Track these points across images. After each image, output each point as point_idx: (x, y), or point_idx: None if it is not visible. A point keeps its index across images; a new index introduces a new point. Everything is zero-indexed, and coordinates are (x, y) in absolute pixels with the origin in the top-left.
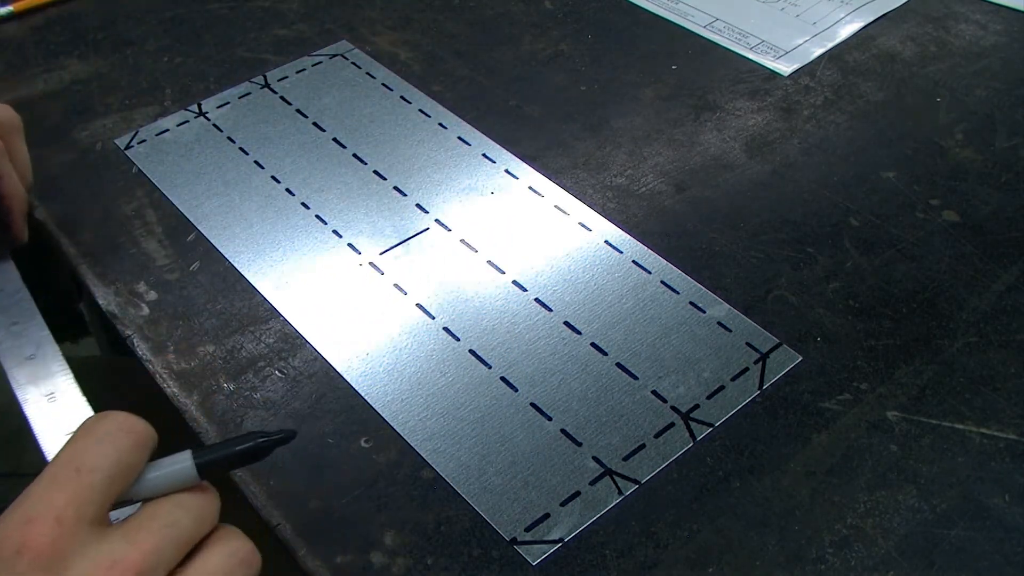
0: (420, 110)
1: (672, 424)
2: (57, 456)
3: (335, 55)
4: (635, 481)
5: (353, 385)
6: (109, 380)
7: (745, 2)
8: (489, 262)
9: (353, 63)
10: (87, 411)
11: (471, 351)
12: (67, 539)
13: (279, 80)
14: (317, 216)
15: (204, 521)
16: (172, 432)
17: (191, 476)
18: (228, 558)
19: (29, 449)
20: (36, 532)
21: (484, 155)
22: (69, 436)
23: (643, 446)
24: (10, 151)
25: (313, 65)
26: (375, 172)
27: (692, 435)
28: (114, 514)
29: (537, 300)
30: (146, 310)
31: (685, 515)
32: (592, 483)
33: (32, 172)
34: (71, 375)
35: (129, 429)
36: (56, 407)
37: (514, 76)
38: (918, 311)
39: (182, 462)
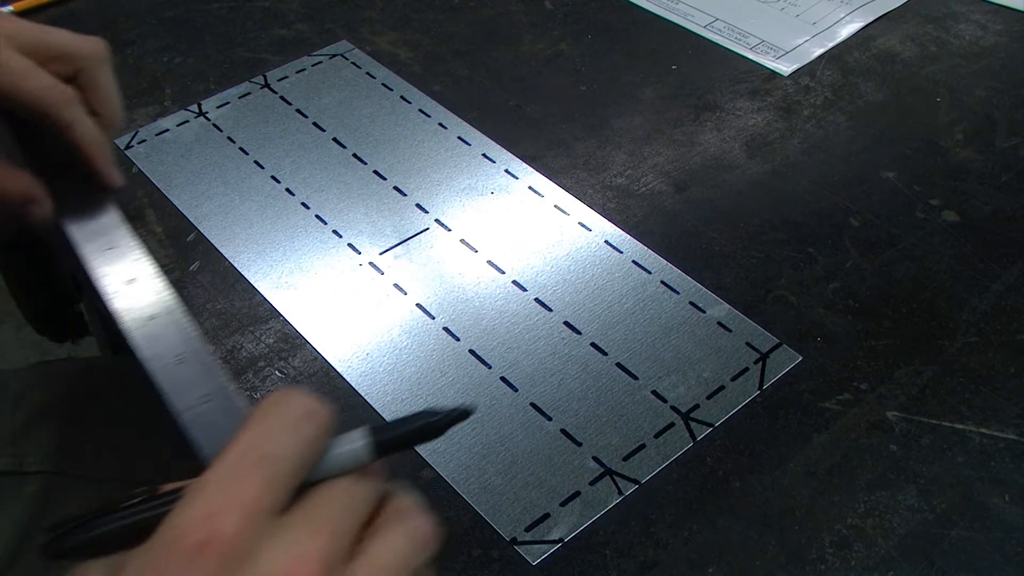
0: (420, 110)
1: (672, 424)
2: (236, 442)
3: (335, 55)
4: (635, 481)
5: (353, 385)
6: (110, 380)
7: (745, 2)
8: (489, 262)
9: (353, 63)
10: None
11: (471, 351)
12: (254, 532)
13: (279, 80)
14: (317, 216)
15: (374, 503)
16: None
17: (367, 457)
18: (406, 542)
19: (32, 447)
20: (221, 526)
21: (484, 155)
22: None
23: (643, 446)
24: (93, 88)
25: (313, 65)
26: (375, 172)
27: (692, 435)
28: None
29: (537, 300)
30: None
31: (685, 515)
32: (592, 483)
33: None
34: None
35: (313, 413)
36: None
37: (514, 76)
38: (918, 311)
39: (357, 441)
